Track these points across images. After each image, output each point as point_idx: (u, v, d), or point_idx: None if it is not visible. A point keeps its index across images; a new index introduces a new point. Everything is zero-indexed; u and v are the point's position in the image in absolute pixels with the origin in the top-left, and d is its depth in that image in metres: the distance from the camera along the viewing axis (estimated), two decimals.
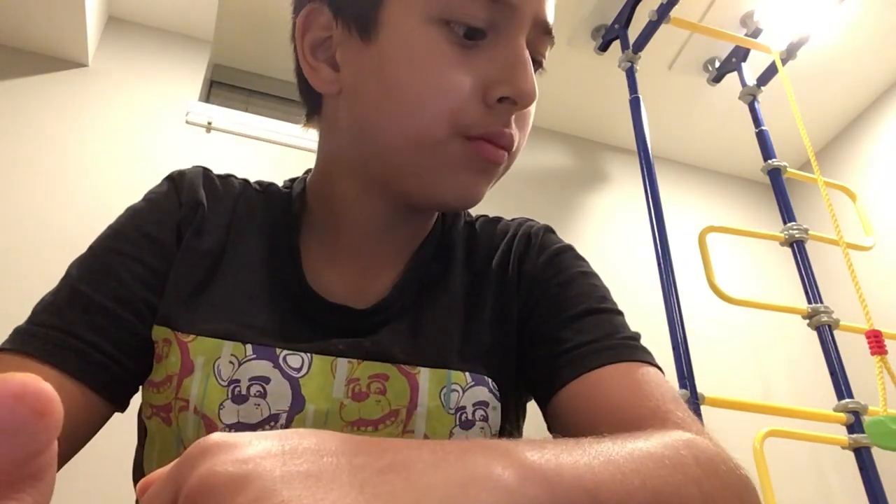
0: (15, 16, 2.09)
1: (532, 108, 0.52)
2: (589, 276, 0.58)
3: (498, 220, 0.65)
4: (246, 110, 2.57)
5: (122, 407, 0.51)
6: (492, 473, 0.27)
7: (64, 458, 0.47)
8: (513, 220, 0.65)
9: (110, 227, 0.56)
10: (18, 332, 0.48)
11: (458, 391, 0.50)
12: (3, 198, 1.98)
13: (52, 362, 0.46)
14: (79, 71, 2.26)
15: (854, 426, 1.56)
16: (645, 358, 0.50)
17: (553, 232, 0.63)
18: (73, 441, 0.48)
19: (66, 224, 1.97)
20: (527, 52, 0.50)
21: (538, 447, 0.30)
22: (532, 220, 0.65)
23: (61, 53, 2.23)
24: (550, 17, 0.53)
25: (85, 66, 2.28)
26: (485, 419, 0.50)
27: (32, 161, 2.06)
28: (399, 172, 0.52)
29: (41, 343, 0.47)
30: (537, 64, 0.54)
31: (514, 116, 0.51)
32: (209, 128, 2.32)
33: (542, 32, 0.52)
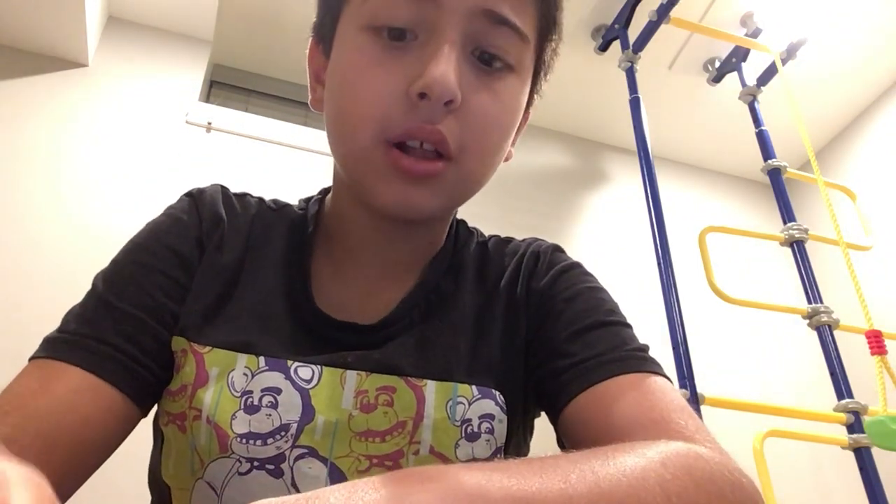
0: (15, 16, 2.09)
1: (482, 107, 0.50)
2: (596, 291, 0.58)
3: (509, 240, 0.65)
4: (246, 110, 2.57)
5: (146, 412, 0.53)
6: (408, 499, 0.28)
7: (98, 463, 0.49)
8: (523, 240, 0.65)
9: (132, 241, 0.57)
10: (53, 341, 0.50)
11: (463, 404, 0.51)
12: (2, 197, 1.98)
13: (91, 369, 0.48)
14: (79, 71, 2.26)
15: (854, 426, 1.57)
16: (652, 368, 0.51)
17: (561, 251, 0.64)
18: (109, 445, 0.49)
19: (66, 224, 1.97)
20: (447, 46, 0.48)
21: (471, 469, 0.32)
22: (541, 239, 0.65)
23: (61, 53, 2.23)
24: (500, 5, 0.50)
25: (85, 66, 2.28)
26: (490, 432, 0.51)
27: (32, 161, 2.06)
28: (351, 181, 0.55)
29: (80, 351, 0.48)
30: (497, 59, 0.51)
31: (452, 115, 0.49)
32: (209, 128, 2.32)
33: (491, 22, 0.50)
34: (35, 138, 2.10)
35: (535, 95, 0.61)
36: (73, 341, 0.49)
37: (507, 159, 0.59)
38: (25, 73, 2.18)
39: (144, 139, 2.22)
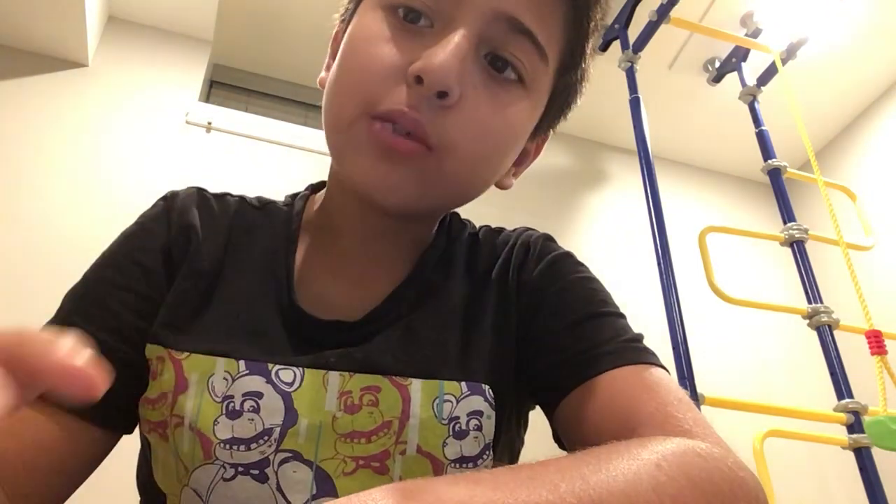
0: (15, 16, 2.09)
1: (478, 111, 0.48)
2: (588, 281, 0.57)
3: (500, 230, 0.64)
4: (246, 110, 2.57)
5: (128, 430, 0.53)
6: None
7: (69, 489, 0.49)
8: (514, 230, 0.64)
9: (103, 255, 0.56)
10: None
11: (451, 401, 0.50)
12: (3, 198, 1.98)
13: (50, 398, 0.47)
14: (79, 71, 2.26)
15: (854, 426, 1.56)
16: (648, 359, 0.50)
17: (552, 240, 0.62)
18: (76, 471, 0.49)
19: (66, 224, 1.97)
20: (458, 37, 0.46)
21: (455, 482, 0.31)
22: (532, 229, 0.64)
23: (61, 53, 2.23)
24: (525, 14, 0.48)
25: (85, 66, 2.28)
26: (479, 428, 0.50)
27: (32, 161, 2.06)
28: (335, 159, 0.54)
29: None
30: (510, 67, 0.50)
31: (442, 112, 0.47)
32: (209, 128, 2.32)
33: (508, 29, 0.48)
34: (35, 138, 2.10)
35: (548, 129, 0.59)
36: None
37: (503, 187, 0.57)
38: (25, 73, 2.19)
39: (144, 139, 2.22)
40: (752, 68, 2.21)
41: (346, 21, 0.55)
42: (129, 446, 0.56)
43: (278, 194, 0.65)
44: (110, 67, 2.32)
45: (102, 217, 1.99)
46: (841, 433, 1.59)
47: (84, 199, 2.04)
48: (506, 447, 0.54)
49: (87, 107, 2.21)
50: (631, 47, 2.06)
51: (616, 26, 2.16)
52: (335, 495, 0.47)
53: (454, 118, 0.48)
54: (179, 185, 0.62)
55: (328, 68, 0.58)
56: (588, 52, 0.56)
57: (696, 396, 1.49)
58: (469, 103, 0.48)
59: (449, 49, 0.46)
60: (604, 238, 2.65)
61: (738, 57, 2.25)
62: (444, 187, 0.51)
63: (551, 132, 0.60)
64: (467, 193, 0.54)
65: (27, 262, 1.88)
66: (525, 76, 0.50)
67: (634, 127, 1.93)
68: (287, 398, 0.49)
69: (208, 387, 0.48)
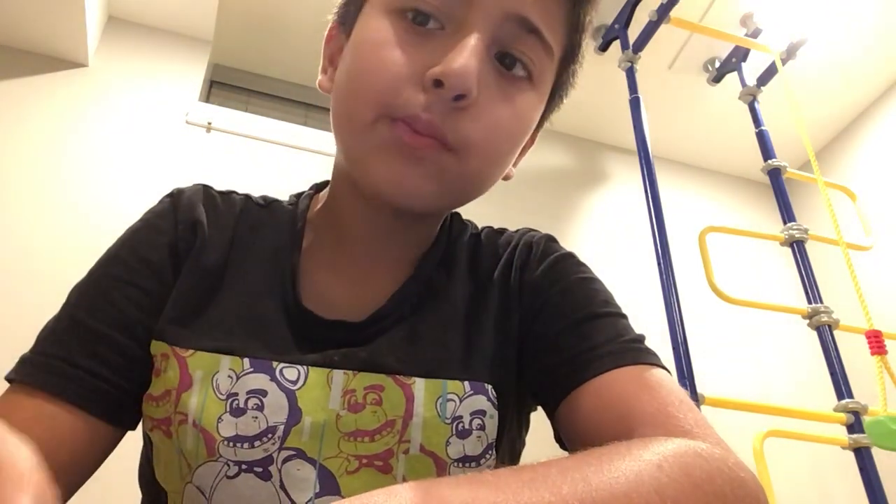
0: (15, 16, 2.09)
1: (494, 110, 0.49)
2: (590, 282, 0.57)
3: (502, 231, 0.65)
4: (246, 110, 2.57)
5: (132, 426, 0.53)
6: None
7: (75, 486, 0.49)
8: (516, 231, 0.64)
9: (108, 251, 0.56)
10: (24, 362, 0.50)
11: (454, 401, 0.50)
12: (2, 198, 1.98)
13: (53, 392, 0.48)
14: (79, 71, 2.26)
15: (854, 426, 1.57)
16: (649, 360, 0.50)
17: (555, 241, 0.63)
18: (83, 468, 0.49)
19: (66, 225, 1.96)
20: (473, 40, 0.47)
21: (458, 484, 0.32)
22: (534, 230, 0.64)
23: (61, 53, 2.23)
24: (533, 13, 0.50)
25: (85, 66, 2.28)
26: (482, 428, 0.50)
27: (32, 161, 2.06)
28: (349, 162, 0.54)
29: (43, 373, 0.48)
30: (520, 65, 0.51)
31: (459, 113, 0.48)
32: (209, 128, 2.32)
33: (519, 29, 0.50)
34: (35, 139, 2.10)
35: (544, 121, 0.60)
36: (42, 364, 0.49)
37: (506, 178, 0.58)
38: (25, 73, 2.19)
39: (144, 139, 2.22)
40: (752, 68, 2.21)
41: (346, 24, 0.56)
42: (129, 444, 0.56)
43: (278, 194, 0.65)
44: (110, 67, 2.32)
45: (103, 217, 1.99)
46: (841, 433, 1.59)
47: (84, 199, 2.04)
48: (507, 448, 0.54)
49: (87, 107, 2.21)
50: (631, 47, 2.06)
51: (616, 26, 2.16)
52: (338, 494, 0.47)
53: (470, 118, 0.49)
54: (180, 185, 0.62)
55: (325, 71, 0.58)
56: (583, 47, 0.57)
57: (696, 396, 1.49)
58: (483, 102, 0.49)
59: (466, 53, 0.47)
60: (604, 238, 2.65)
61: (738, 57, 2.26)
62: (462, 185, 0.52)
63: (546, 124, 0.62)
64: (481, 190, 0.55)
65: (25, 263, 1.88)
66: (533, 73, 0.52)
67: (634, 127, 1.93)
68: (291, 396, 0.49)
69: (212, 384, 0.48)
